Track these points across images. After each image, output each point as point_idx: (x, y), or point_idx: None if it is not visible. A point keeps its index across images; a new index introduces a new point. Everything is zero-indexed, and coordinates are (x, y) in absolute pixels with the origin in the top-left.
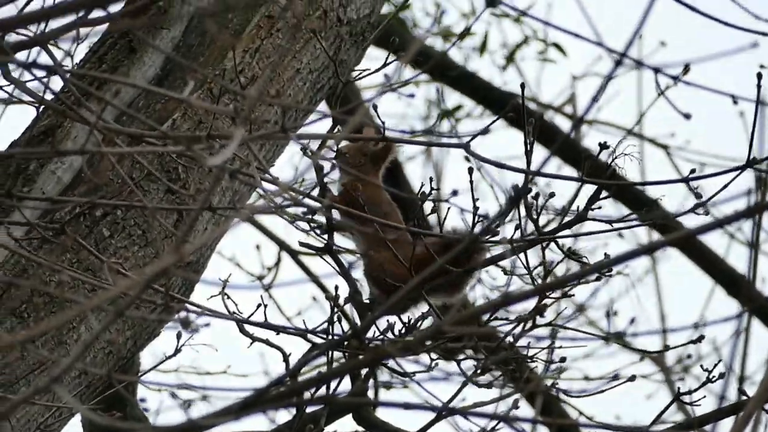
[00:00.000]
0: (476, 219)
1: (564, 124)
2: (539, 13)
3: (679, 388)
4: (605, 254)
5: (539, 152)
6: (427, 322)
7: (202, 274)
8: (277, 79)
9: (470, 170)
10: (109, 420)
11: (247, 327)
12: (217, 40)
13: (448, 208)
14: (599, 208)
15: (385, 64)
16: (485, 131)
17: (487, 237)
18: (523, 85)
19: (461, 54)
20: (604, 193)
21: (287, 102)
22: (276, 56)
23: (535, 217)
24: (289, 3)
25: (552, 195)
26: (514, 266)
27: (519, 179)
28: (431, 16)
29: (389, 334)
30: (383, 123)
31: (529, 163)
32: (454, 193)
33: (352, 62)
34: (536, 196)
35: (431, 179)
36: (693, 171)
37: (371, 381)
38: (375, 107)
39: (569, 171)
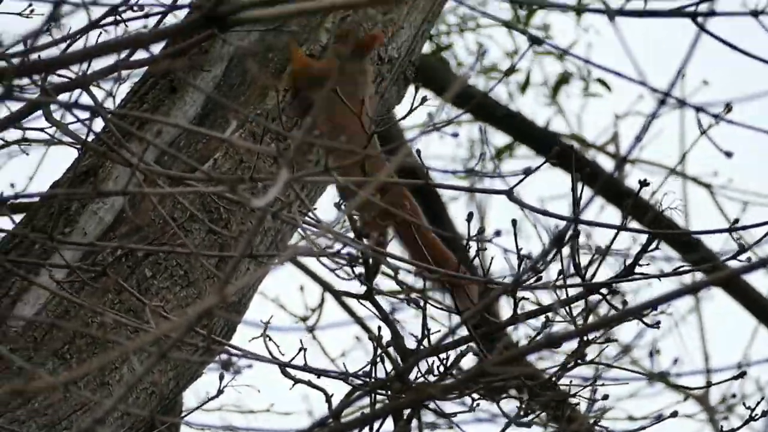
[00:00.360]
0: (520, 262)
1: (607, 163)
2: (581, 50)
3: (722, 427)
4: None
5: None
6: (468, 360)
7: (244, 315)
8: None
9: (514, 222)
10: None
11: (289, 369)
12: (258, 80)
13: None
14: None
15: (422, 102)
16: (527, 172)
17: (530, 281)
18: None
19: (504, 91)
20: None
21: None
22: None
23: (578, 262)
24: (330, 42)
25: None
26: (557, 306)
27: (563, 221)
28: (473, 54)
29: (432, 375)
30: (426, 165)
31: (577, 214)
32: (497, 233)
33: (394, 101)
34: (577, 235)
35: (471, 214)
36: (736, 221)
37: (414, 422)
38: (419, 151)
39: (612, 210)
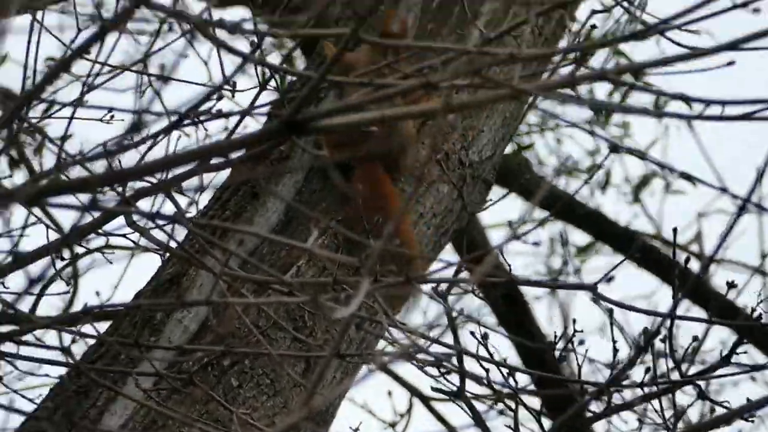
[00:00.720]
0: (613, 363)
1: (691, 263)
2: (662, 148)
3: None
4: (747, 399)
5: (664, 291)
6: None
7: (332, 423)
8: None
9: (610, 313)
10: None
11: None
12: (338, 188)
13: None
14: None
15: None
16: (610, 277)
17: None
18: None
19: (585, 188)
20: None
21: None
22: (400, 202)
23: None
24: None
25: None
26: (646, 411)
27: (647, 319)
28: (554, 152)
29: None
30: (509, 265)
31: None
32: (581, 342)
33: (475, 205)
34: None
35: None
36: None
37: None
38: (502, 252)
39: (697, 311)
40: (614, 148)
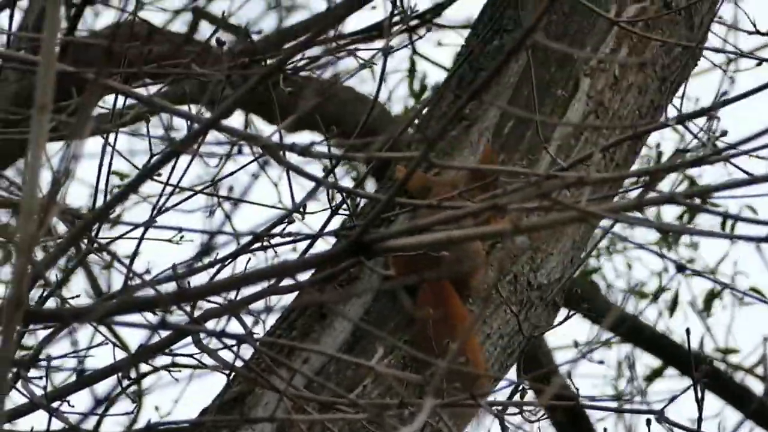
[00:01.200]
0: None
1: (756, 386)
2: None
3: None
4: None
5: (731, 414)
6: None
7: None
8: (468, 347)
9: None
10: None
11: None
12: (406, 309)
13: None
14: None
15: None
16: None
17: None
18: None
19: (653, 309)
20: None
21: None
22: (467, 324)
23: None
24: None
25: None
26: None
27: None
28: (621, 275)
29: None
30: (576, 387)
31: None
32: None
33: (543, 326)
34: None
35: None
36: None
37: None
38: (569, 374)
39: None
40: (680, 268)
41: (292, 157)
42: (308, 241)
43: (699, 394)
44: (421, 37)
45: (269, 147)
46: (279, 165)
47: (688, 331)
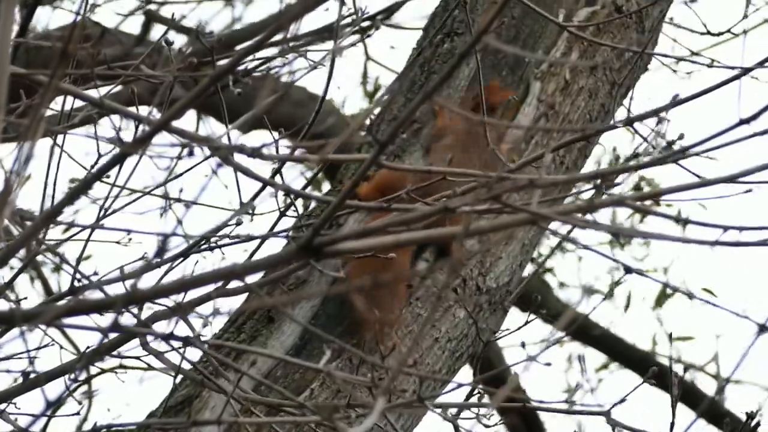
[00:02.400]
0: None
1: (707, 383)
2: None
3: None
4: None
5: (682, 413)
6: None
7: None
8: (416, 348)
9: None
10: None
11: None
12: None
13: None
14: None
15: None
16: (622, 399)
17: None
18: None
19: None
20: None
21: (424, 373)
22: (415, 326)
23: None
24: (429, 273)
25: None
26: None
27: None
28: (574, 273)
29: None
30: (524, 391)
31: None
32: None
33: (492, 329)
34: None
35: None
36: None
37: None
38: (516, 375)
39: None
40: (628, 270)
41: (245, 159)
42: (257, 243)
43: (673, 403)
44: (369, 35)
45: (219, 149)
46: (228, 166)
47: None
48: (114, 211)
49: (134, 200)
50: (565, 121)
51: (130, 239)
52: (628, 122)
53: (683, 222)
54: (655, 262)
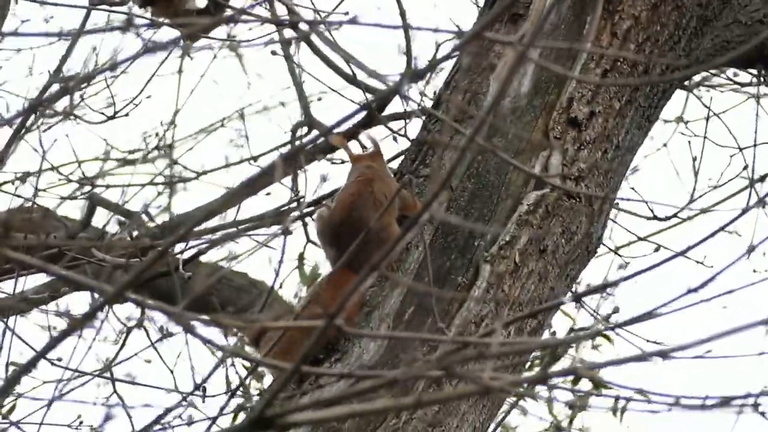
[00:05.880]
0: None
1: None
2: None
3: None
4: None
5: None
6: None
7: None
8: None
9: None
10: None
11: None
12: None
13: None
14: None
15: None
16: None
17: None
18: None
19: None
20: None
21: None
22: None
23: None
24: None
25: None
26: None
27: None
28: None
29: None
30: None
31: None
32: None
33: None
34: None
35: None
36: None
37: None
38: None
39: None
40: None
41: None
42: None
43: None
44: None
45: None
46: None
47: None
48: (61, 395)
49: (82, 384)
50: (514, 305)
51: (81, 422)
52: (575, 299)
53: (621, 411)
54: None
